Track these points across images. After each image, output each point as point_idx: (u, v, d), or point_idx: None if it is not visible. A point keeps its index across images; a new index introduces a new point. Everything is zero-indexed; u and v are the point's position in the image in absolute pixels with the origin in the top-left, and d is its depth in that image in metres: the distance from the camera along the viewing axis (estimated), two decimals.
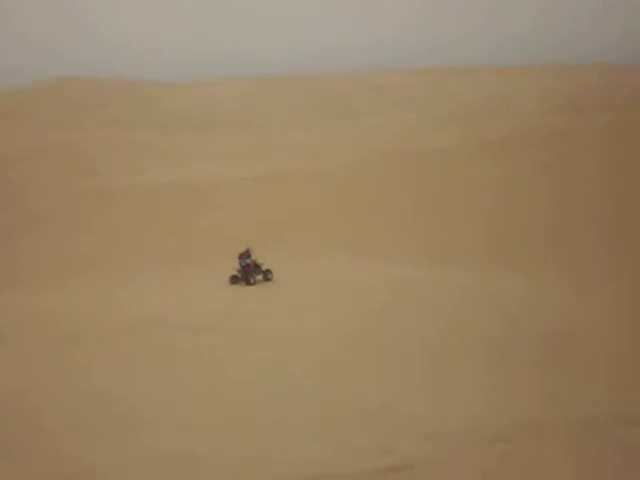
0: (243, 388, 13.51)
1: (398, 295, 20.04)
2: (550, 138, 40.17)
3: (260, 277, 24.41)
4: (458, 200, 31.76)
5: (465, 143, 42.02)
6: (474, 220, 28.47)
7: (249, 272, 24.01)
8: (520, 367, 13.61)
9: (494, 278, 21.02)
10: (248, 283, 23.93)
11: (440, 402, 11.94)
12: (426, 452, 9.50)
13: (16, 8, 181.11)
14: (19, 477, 9.46)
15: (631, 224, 25.44)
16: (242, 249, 24.43)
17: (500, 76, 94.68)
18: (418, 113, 69.06)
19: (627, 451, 9.17)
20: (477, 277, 21.19)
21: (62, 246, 30.86)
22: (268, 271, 24.59)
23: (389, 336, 16.17)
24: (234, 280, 24.26)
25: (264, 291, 22.87)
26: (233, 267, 24.03)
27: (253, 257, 24.39)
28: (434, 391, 12.55)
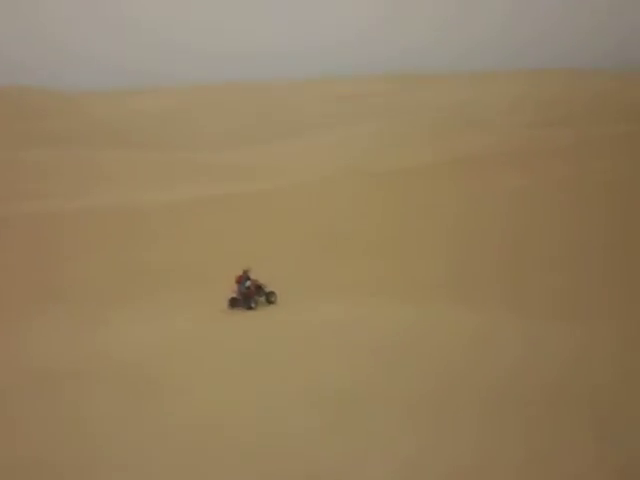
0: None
1: (349, 334, 18.98)
2: (519, 157, 39.56)
3: (262, 299, 22.96)
4: (419, 229, 30.20)
5: (431, 162, 41.10)
6: (434, 253, 26.89)
7: (250, 296, 22.71)
8: (461, 414, 13.13)
9: (447, 315, 20.19)
10: (249, 307, 22.60)
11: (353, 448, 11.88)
12: None
13: None
14: None
15: (592, 258, 24.32)
16: (239, 272, 22.90)
17: (470, 83, 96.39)
18: (383, 126, 68.70)
19: None
20: (430, 314, 20.36)
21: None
22: (271, 293, 23.06)
23: (332, 384, 15.43)
24: (233, 303, 22.71)
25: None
26: (231, 290, 22.56)
27: (253, 277, 22.96)
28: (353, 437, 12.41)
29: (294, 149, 60.98)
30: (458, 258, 25.52)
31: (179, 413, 14.35)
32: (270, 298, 23.00)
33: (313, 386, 15.38)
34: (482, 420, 12.90)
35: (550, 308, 19.97)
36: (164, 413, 14.31)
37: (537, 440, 11.96)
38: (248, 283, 22.69)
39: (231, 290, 22.69)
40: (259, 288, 22.84)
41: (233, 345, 18.91)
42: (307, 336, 18.97)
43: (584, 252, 24.56)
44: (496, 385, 14.43)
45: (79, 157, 55.57)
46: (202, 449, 12.60)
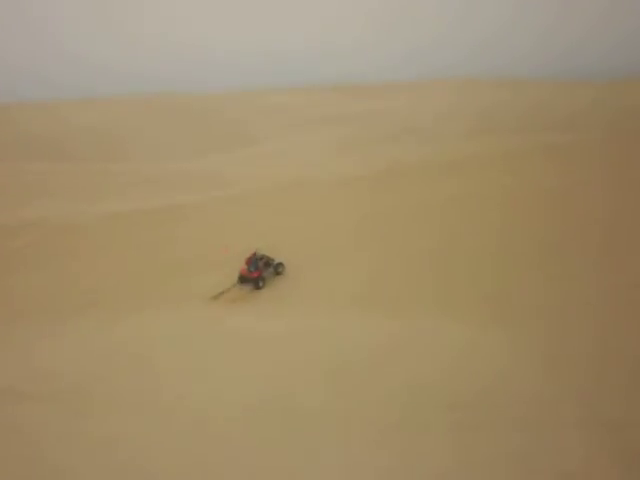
0: None
1: (307, 345, 18.96)
2: (457, 165, 40.20)
3: (271, 270, 24.81)
4: (367, 235, 29.91)
5: (372, 171, 41.56)
6: (386, 261, 26.61)
7: (258, 277, 24.38)
8: (433, 428, 13.22)
9: (370, 322, 20.03)
10: (257, 287, 24.29)
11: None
12: None
13: None
14: None
15: (526, 263, 23.99)
16: (249, 253, 24.80)
17: (415, 93, 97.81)
18: (324, 136, 69.58)
19: None
20: (347, 321, 20.31)
21: None
22: (279, 264, 25.07)
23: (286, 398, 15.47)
24: (242, 279, 24.45)
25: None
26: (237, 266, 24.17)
27: (263, 253, 24.91)
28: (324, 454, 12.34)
29: (239, 159, 60.80)
30: (400, 265, 25.37)
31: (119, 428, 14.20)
32: (278, 269, 24.99)
33: (274, 393, 15.46)
34: (453, 435, 12.87)
35: (480, 313, 19.77)
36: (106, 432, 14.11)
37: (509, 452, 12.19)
38: (258, 263, 24.43)
39: (241, 269, 24.52)
40: (267, 265, 24.71)
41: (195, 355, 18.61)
42: (281, 342, 18.88)
43: (518, 258, 24.37)
44: (473, 398, 14.51)
45: (15, 170, 54.45)
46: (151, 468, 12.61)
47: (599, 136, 44.51)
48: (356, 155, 53.34)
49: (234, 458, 12.72)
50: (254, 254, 24.54)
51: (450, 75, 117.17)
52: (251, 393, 15.70)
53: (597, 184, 31.73)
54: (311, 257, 27.62)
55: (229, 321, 21.73)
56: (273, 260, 24.98)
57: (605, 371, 15.36)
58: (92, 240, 33.14)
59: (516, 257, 24.71)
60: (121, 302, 24.40)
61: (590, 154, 38.06)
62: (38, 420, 14.83)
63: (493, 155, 41.41)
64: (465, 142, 50.70)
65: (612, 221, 26.74)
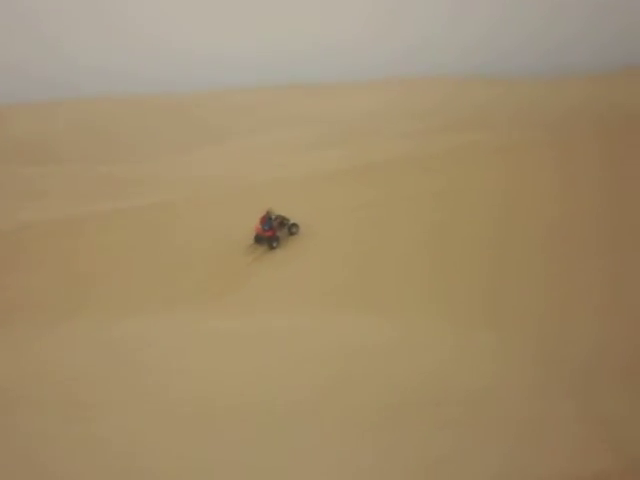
0: None
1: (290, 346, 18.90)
2: (454, 159, 38.73)
3: (285, 230, 25.39)
4: (357, 234, 28.76)
5: (362, 165, 40.38)
6: (375, 257, 26.08)
7: (272, 237, 25.01)
8: (423, 426, 13.11)
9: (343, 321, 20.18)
10: (271, 247, 25.00)
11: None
12: None
13: None
14: None
15: (510, 262, 23.65)
16: (263, 212, 25.46)
17: (380, 91, 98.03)
18: (288, 135, 69.18)
19: None
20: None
21: None
22: (294, 225, 25.65)
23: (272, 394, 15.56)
24: (257, 239, 25.25)
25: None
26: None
27: (279, 213, 25.39)
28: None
29: (214, 158, 60.90)
30: (390, 262, 25.05)
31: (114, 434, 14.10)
32: (292, 230, 25.78)
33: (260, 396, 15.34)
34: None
35: (473, 310, 19.71)
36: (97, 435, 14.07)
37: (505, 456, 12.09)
38: (272, 223, 25.24)
39: (256, 227, 25.32)
40: (282, 224, 25.50)
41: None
42: (265, 341, 18.76)
43: (511, 253, 24.07)
44: (465, 397, 14.36)
45: (8, 172, 54.61)
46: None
47: (591, 131, 44.34)
48: (345, 149, 53.33)
49: (228, 458, 12.74)
50: (268, 213, 25.05)
51: (446, 72, 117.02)
52: (244, 393, 15.62)
53: (591, 179, 31.01)
54: (296, 252, 26.94)
55: (222, 322, 21.57)
56: (288, 220, 25.47)
57: (601, 367, 15.33)
58: (87, 241, 32.91)
59: (509, 252, 24.62)
60: (118, 302, 24.51)
61: (583, 149, 37.88)
62: (33, 422, 14.70)
63: (486, 150, 41.05)
64: (456, 137, 50.37)
65: (609, 217, 26.28)
